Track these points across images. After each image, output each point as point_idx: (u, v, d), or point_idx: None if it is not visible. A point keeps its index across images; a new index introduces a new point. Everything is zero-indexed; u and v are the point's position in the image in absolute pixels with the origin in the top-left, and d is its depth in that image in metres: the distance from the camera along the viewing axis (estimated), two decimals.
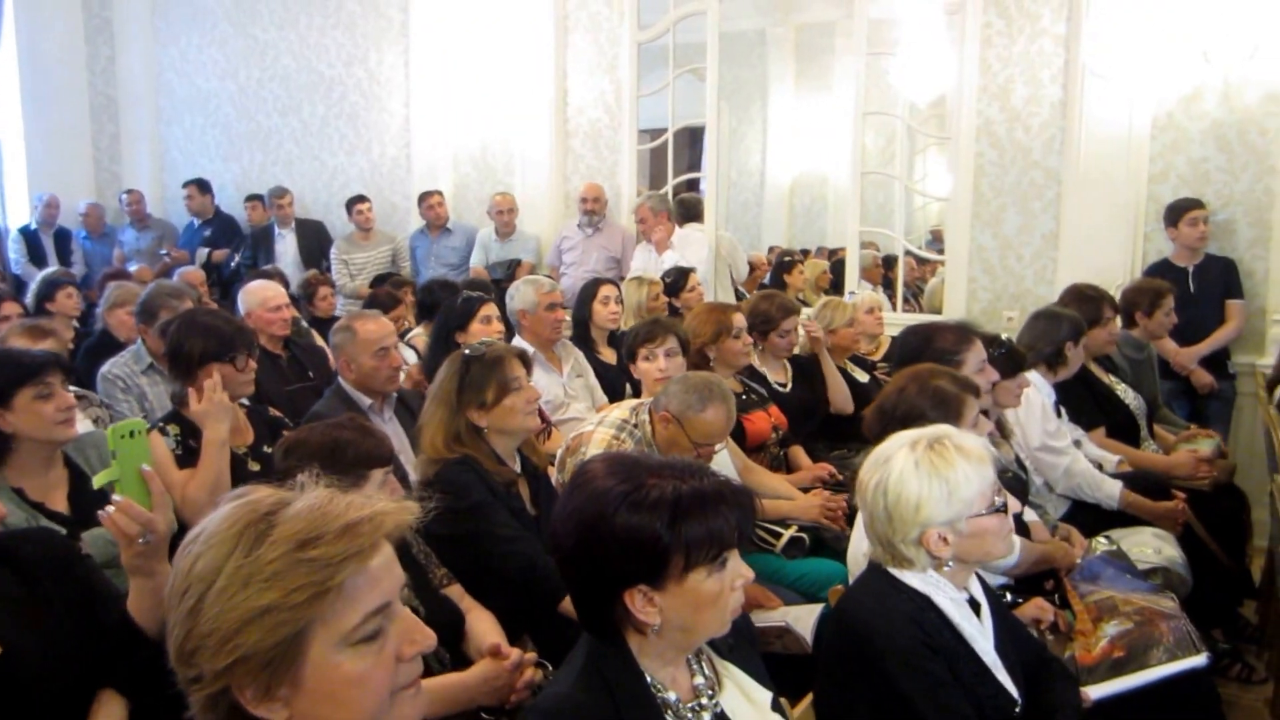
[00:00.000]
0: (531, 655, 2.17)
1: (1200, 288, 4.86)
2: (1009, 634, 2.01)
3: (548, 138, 6.28)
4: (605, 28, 6.18)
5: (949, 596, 1.90)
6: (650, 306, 4.59)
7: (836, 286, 5.87)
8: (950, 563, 1.90)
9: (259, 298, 4.01)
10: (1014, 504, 1.90)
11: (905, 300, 6.04)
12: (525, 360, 2.70)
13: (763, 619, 2.75)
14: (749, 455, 3.52)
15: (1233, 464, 3.98)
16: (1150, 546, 3.13)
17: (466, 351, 2.65)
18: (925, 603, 1.88)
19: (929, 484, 1.86)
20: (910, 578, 1.90)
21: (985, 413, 3.18)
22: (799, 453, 3.82)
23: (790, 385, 4.09)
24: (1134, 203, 5.09)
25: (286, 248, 6.88)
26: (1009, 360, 3.19)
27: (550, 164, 6.31)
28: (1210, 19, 4.85)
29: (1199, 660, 2.21)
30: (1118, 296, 4.41)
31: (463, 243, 6.47)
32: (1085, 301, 3.93)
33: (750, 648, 1.70)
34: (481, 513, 2.46)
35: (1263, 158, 4.87)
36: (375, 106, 7.10)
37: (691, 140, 6.30)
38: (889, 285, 6.17)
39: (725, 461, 3.22)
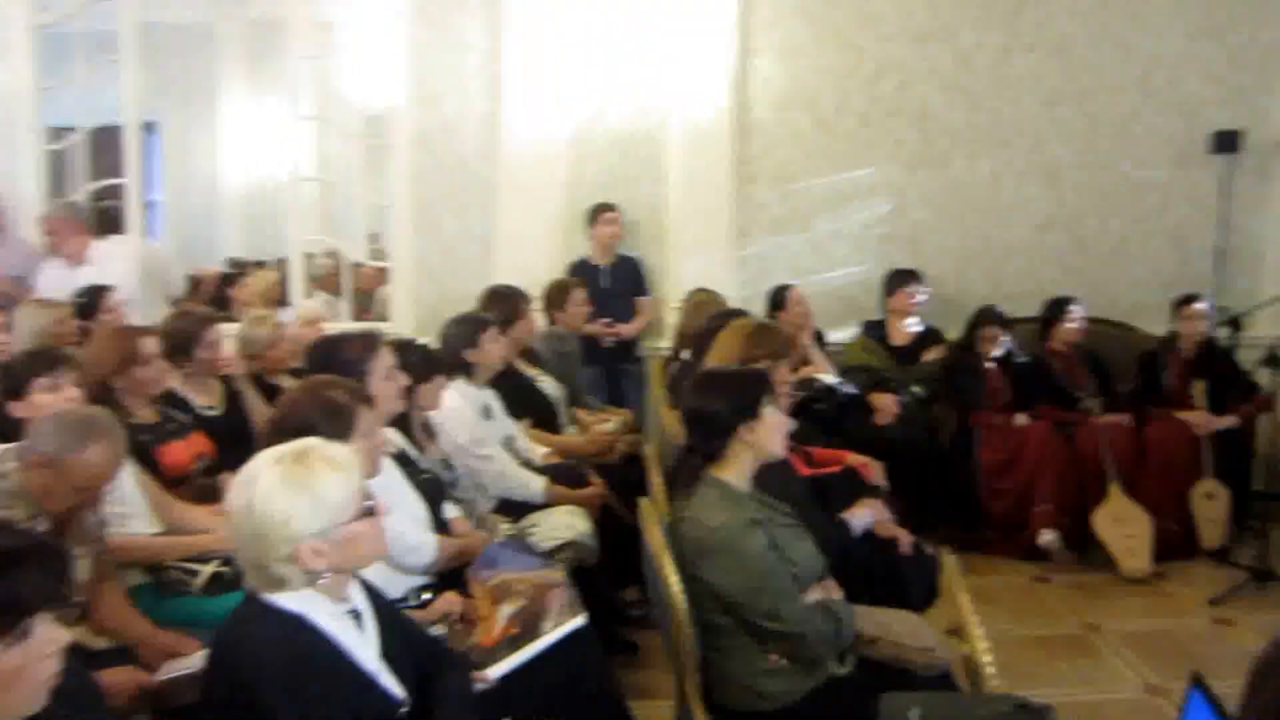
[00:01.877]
0: None
1: (614, 282, 5.41)
2: (398, 636, 2.05)
3: None
4: None
5: (326, 611, 1.89)
6: (56, 333, 4.05)
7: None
8: (326, 574, 1.88)
9: None
10: (383, 505, 1.93)
11: (364, 309, 5.98)
12: None
13: (181, 666, 2.54)
14: (172, 489, 3.25)
15: (638, 437, 4.46)
16: (563, 524, 3.42)
17: None
18: (298, 623, 1.85)
19: (296, 497, 1.82)
20: (283, 599, 1.86)
21: (406, 415, 3.27)
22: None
23: (223, 407, 3.85)
24: (558, 207, 5.52)
25: None
26: (424, 364, 3.29)
27: None
28: (613, 42, 5.40)
29: (579, 621, 2.44)
30: None
31: None
32: (501, 301, 4.18)
33: None
34: None
35: (655, 167, 5.53)
36: None
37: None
38: None
39: (134, 497, 2.95)
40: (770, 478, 2.61)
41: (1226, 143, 5.44)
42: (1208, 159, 5.58)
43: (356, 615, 1.96)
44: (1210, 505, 4.73)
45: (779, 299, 5.08)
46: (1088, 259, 5.74)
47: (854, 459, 3.58)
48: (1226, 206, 5.59)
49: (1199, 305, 5.04)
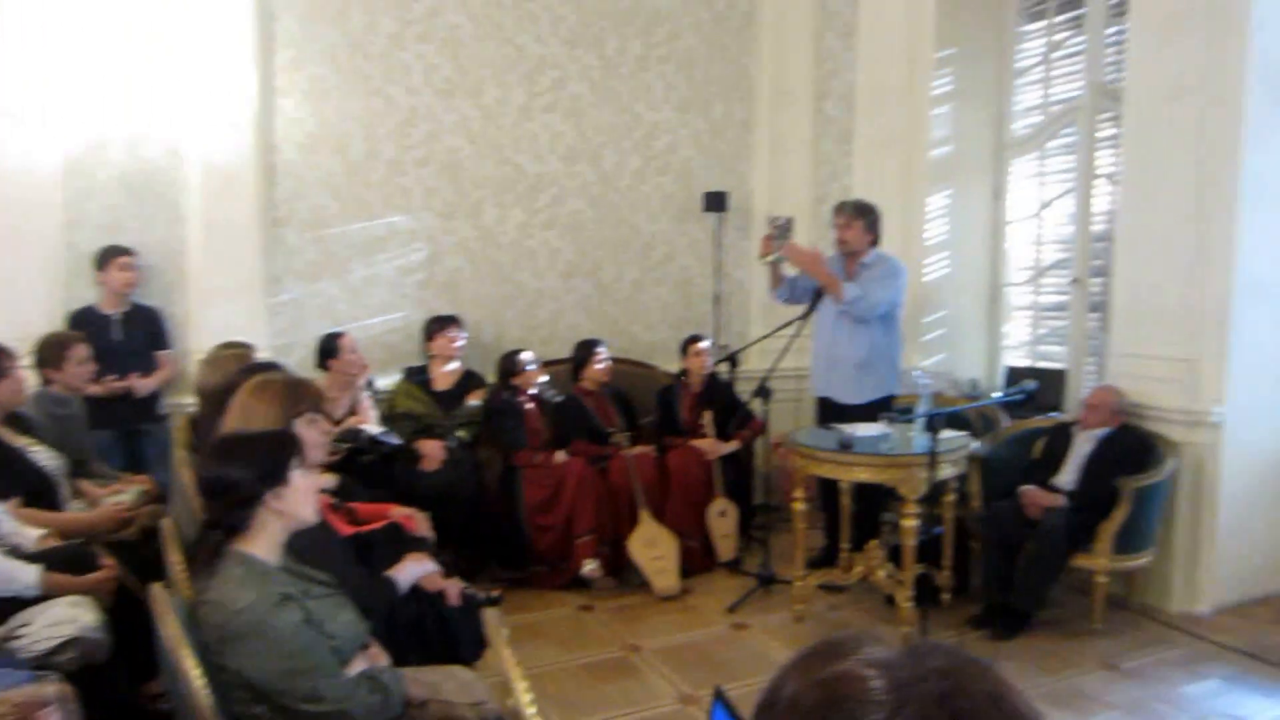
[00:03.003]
0: None
1: (128, 334, 4.77)
2: None
3: None
4: None
5: None
6: None
7: None
8: None
9: None
10: None
11: None
12: None
13: None
14: None
15: (160, 507, 3.93)
16: (64, 618, 2.88)
17: None
18: None
19: None
20: None
21: None
22: None
23: None
24: (54, 249, 4.76)
25: None
26: None
27: None
28: (115, 66, 4.80)
29: None
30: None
31: None
32: None
33: None
34: None
35: (172, 207, 5.00)
36: None
37: None
38: None
39: None
40: (306, 543, 2.40)
41: (715, 202, 6.09)
42: (703, 216, 6.22)
43: None
44: (723, 522, 5.20)
45: (331, 347, 4.83)
46: (609, 304, 6.13)
47: (399, 512, 3.45)
48: (720, 258, 6.26)
49: (702, 344, 5.55)
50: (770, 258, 4.84)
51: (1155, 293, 4.53)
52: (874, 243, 4.86)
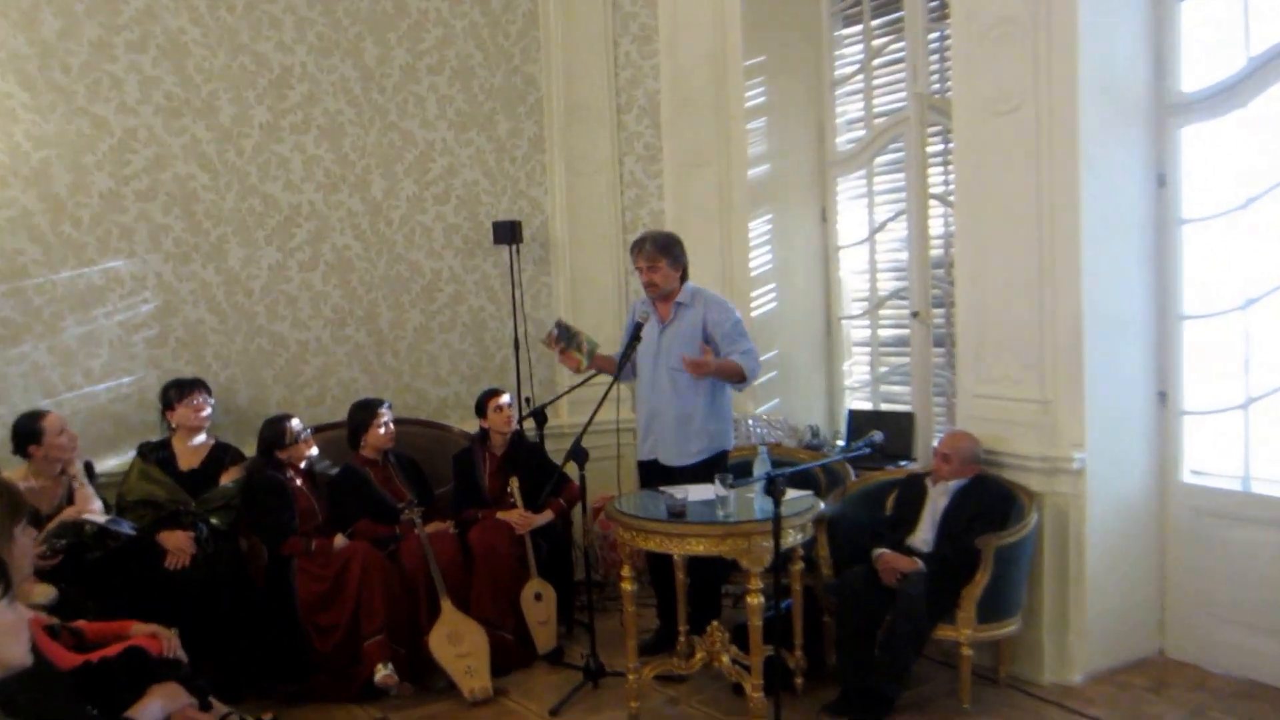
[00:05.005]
0: None
1: None
2: None
3: None
4: None
5: None
6: None
7: None
8: None
9: None
10: None
11: None
12: None
13: None
14: None
15: None
16: None
17: None
18: None
19: None
20: None
21: None
22: None
23: None
24: None
25: None
26: None
27: None
28: None
29: None
30: None
31: None
32: None
33: None
34: None
35: None
36: None
37: None
38: None
39: None
40: (15, 690, 2.27)
41: (507, 233, 6.10)
42: (494, 249, 6.26)
43: None
44: (539, 607, 5.17)
45: (31, 430, 4.55)
46: (390, 356, 6.06)
47: (139, 630, 3.38)
48: (517, 296, 6.29)
49: (503, 399, 5.53)
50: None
51: (1000, 327, 4.71)
52: (683, 278, 5.01)
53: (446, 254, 6.24)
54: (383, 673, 4.70)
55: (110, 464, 5.07)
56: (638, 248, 4.95)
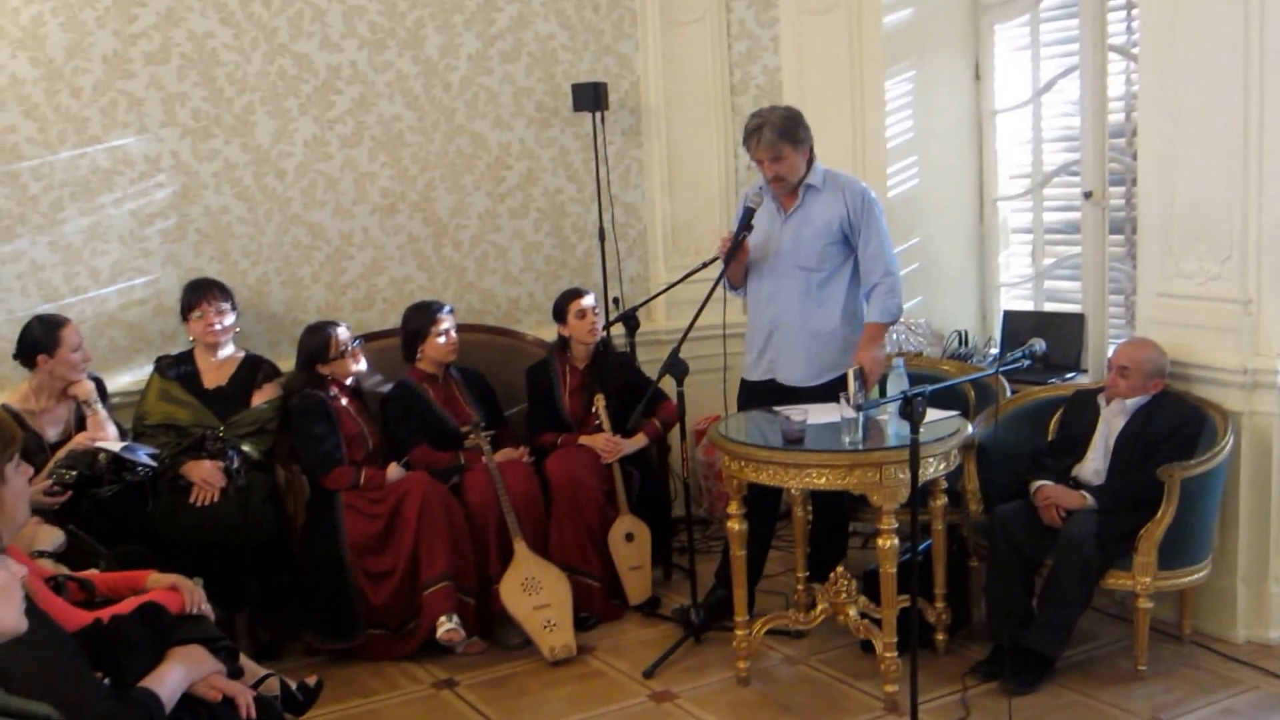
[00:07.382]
0: None
1: None
2: None
3: None
4: None
5: None
6: None
7: None
8: None
9: None
10: None
11: None
12: None
13: None
14: None
15: None
16: None
17: None
18: None
19: None
20: None
21: None
22: None
23: None
24: None
25: None
26: None
27: None
28: None
29: None
30: None
31: None
32: None
33: None
34: None
35: None
36: None
37: None
38: None
39: None
40: (18, 659, 2.31)
41: (590, 98, 5.86)
42: (575, 118, 6.05)
43: None
44: (631, 549, 5.09)
45: (47, 340, 4.52)
46: (450, 249, 5.93)
47: (156, 582, 3.36)
48: (603, 175, 6.07)
49: (586, 301, 5.37)
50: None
51: (1196, 210, 4.55)
52: (810, 160, 4.82)
53: (517, 124, 6.03)
54: (446, 627, 4.66)
55: (123, 380, 5.09)
56: (754, 137, 4.72)
